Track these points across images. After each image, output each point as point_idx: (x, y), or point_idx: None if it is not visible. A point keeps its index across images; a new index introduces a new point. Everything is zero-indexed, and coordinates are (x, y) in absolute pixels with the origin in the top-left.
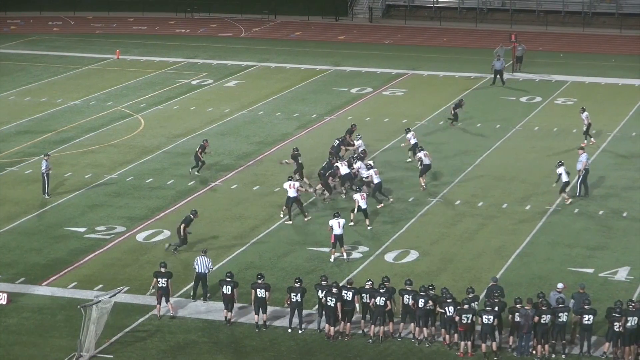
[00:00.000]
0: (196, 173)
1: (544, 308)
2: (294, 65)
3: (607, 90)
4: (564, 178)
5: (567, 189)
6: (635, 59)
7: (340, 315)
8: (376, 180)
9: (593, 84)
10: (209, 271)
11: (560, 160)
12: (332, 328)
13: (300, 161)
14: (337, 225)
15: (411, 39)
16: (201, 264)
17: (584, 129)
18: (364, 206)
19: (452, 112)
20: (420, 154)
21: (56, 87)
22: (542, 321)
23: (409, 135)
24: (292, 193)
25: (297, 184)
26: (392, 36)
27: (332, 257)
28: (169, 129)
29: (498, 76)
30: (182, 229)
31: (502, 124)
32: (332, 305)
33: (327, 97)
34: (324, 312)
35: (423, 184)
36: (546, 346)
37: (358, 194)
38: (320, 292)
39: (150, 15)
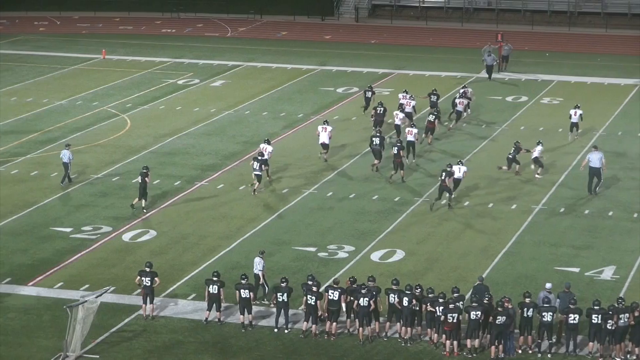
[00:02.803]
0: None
1: (499, 309)
2: (280, 65)
3: (593, 89)
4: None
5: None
6: (621, 59)
7: (322, 314)
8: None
9: (579, 83)
10: (259, 272)
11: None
12: (314, 325)
13: None
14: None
15: (397, 38)
16: (256, 264)
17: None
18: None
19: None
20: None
21: (42, 87)
22: (497, 322)
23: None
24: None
25: (329, 127)
26: (378, 36)
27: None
28: (155, 129)
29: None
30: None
31: (488, 123)
32: (312, 303)
33: (313, 97)
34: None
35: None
36: (500, 346)
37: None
38: (306, 291)
39: (136, 15)
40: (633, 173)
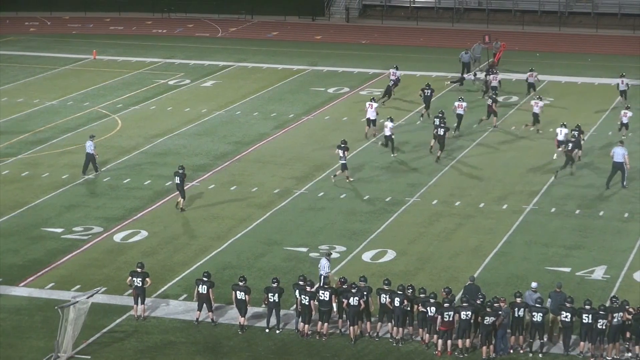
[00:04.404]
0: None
1: (488, 309)
2: (271, 65)
3: (583, 89)
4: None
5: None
6: (611, 59)
7: (314, 313)
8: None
9: (569, 83)
10: (325, 273)
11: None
12: (306, 326)
13: None
14: None
15: (388, 38)
16: (322, 266)
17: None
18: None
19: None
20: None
21: (33, 88)
22: (484, 322)
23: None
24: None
25: (375, 104)
26: (369, 36)
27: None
28: (146, 129)
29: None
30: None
31: (479, 123)
32: (306, 303)
33: (304, 97)
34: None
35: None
36: (491, 346)
37: None
38: (297, 292)
39: (126, 15)
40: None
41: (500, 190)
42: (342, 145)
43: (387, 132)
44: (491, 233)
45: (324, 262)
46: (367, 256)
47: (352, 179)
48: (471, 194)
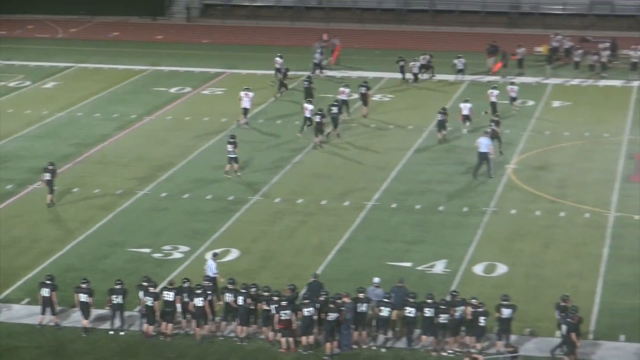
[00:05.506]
0: None
1: (331, 306)
2: (112, 66)
3: (422, 84)
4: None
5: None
6: (449, 55)
7: (159, 314)
8: None
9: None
10: (213, 274)
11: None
12: (150, 327)
13: None
14: None
15: (229, 38)
16: (209, 267)
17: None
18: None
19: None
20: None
21: None
22: (327, 318)
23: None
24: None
25: (251, 94)
26: (210, 35)
27: None
28: None
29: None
30: None
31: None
32: (150, 304)
33: (146, 97)
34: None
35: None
36: (335, 342)
37: None
38: (141, 293)
39: None
40: (462, 168)
41: (342, 187)
42: (232, 140)
43: (307, 114)
44: (333, 230)
45: (210, 263)
46: (210, 256)
47: (239, 174)
48: (313, 191)
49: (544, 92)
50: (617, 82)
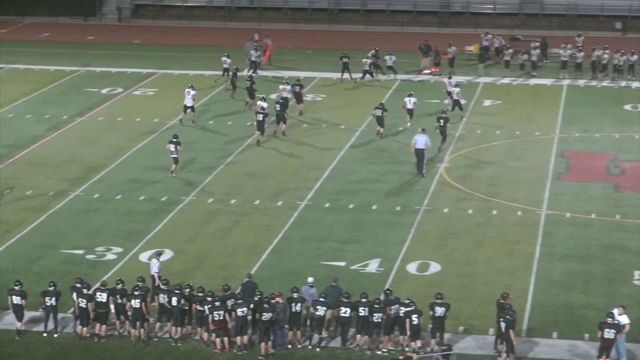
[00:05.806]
0: None
1: (265, 306)
2: (43, 67)
3: (352, 85)
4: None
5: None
6: (381, 55)
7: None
8: None
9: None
10: (154, 272)
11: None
12: (84, 329)
13: None
14: None
15: (161, 38)
16: (153, 266)
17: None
18: None
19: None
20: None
21: None
22: (262, 318)
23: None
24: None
25: (193, 92)
26: (141, 36)
27: None
28: None
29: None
30: None
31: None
32: (84, 306)
33: (77, 98)
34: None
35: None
36: (269, 342)
37: None
38: (75, 294)
39: None
40: (395, 167)
41: (275, 187)
42: (174, 140)
43: (260, 118)
44: (267, 230)
45: (154, 261)
46: (144, 256)
47: (174, 175)
48: (246, 191)
49: (474, 91)
50: (547, 81)
